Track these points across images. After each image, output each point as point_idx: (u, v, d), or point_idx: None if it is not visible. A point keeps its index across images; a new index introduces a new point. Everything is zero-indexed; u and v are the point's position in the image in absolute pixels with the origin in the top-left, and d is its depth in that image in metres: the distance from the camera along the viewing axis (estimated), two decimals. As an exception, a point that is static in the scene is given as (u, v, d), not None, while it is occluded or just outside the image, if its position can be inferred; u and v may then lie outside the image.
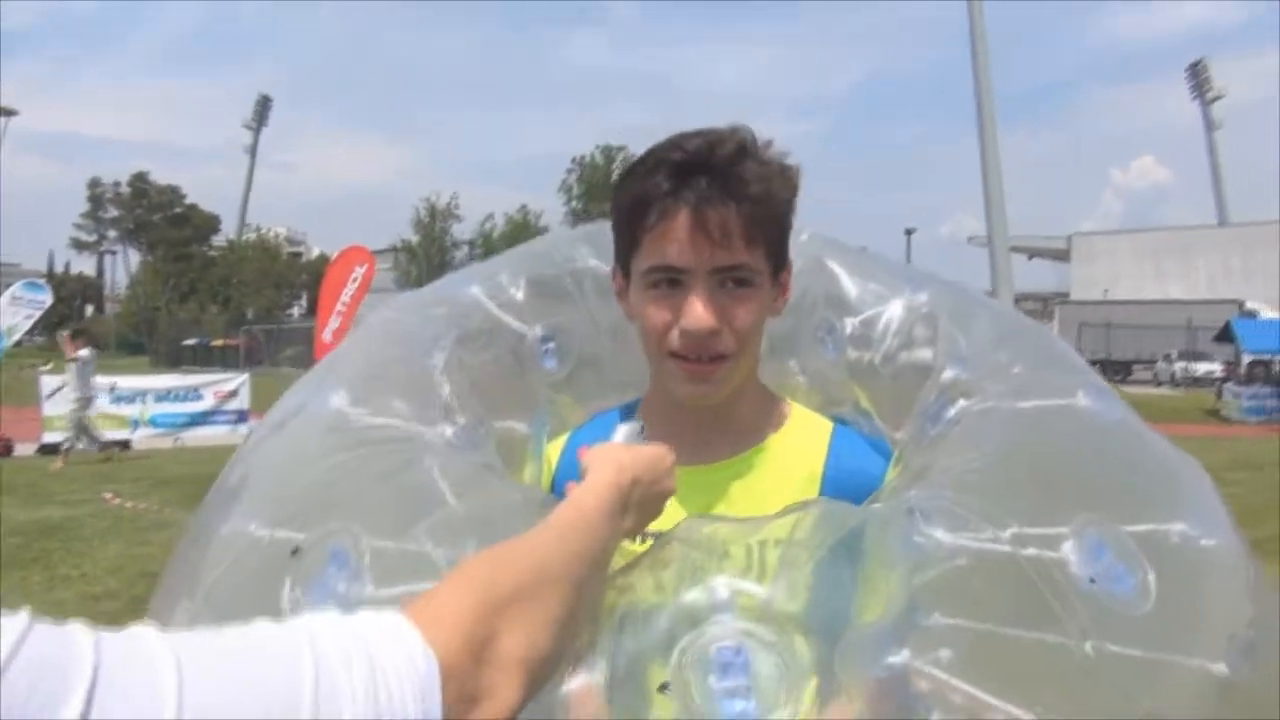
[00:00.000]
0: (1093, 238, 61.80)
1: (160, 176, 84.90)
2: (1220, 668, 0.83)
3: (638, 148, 1.13)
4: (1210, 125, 72.78)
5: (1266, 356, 25.81)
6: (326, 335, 13.77)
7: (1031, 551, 0.87)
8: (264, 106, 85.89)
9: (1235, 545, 0.95)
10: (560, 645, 0.75)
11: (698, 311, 1.06)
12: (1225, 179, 71.35)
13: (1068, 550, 0.87)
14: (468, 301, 1.36)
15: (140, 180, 79.36)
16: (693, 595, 0.88)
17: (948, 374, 1.19)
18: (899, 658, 0.80)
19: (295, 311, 67.64)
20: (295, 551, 0.92)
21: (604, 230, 1.24)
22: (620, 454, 0.97)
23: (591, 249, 1.41)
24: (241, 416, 15.63)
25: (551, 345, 1.39)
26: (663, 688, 0.84)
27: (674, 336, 1.09)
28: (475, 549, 0.90)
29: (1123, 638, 0.82)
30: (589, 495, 0.89)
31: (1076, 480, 1.00)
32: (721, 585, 0.88)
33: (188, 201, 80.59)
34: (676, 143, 1.07)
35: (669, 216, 1.06)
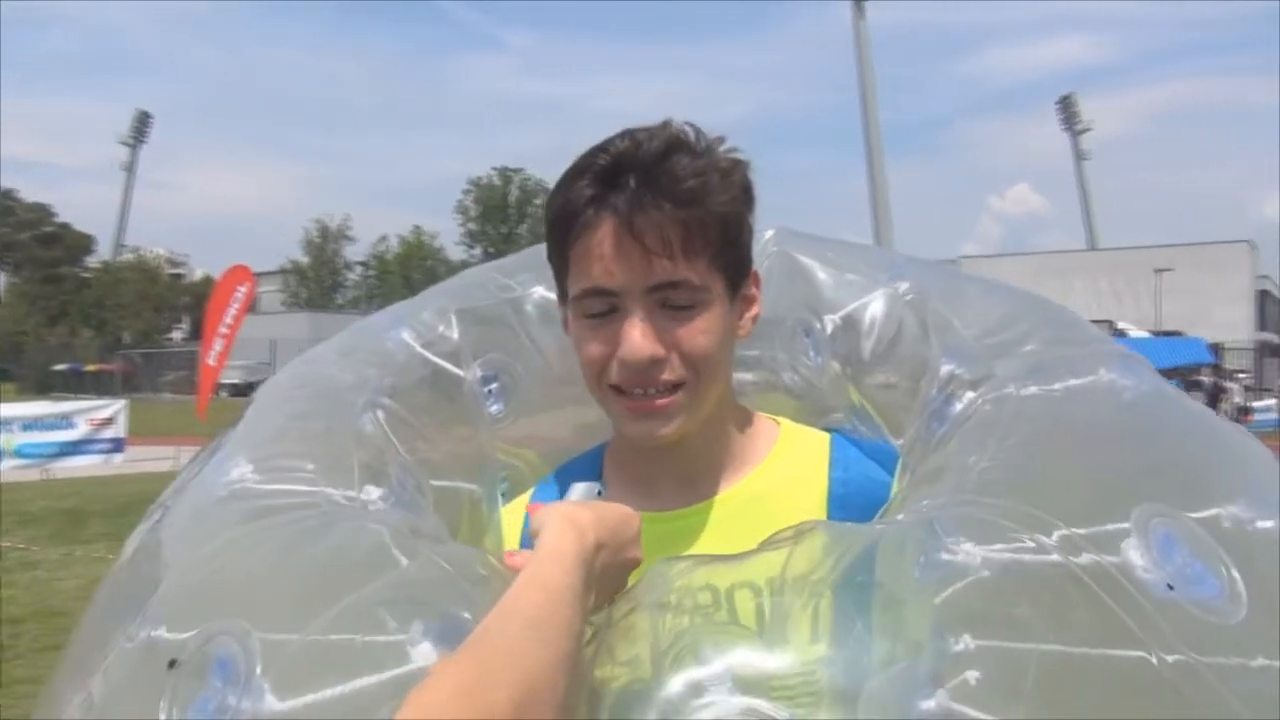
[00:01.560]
0: (978, 261, 64.41)
1: (29, 194, 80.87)
2: None
3: (535, 169, 1.01)
4: (1079, 156, 76.81)
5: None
6: (210, 359, 13.25)
7: (1087, 558, 0.71)
8: (143, 123, 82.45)
9: None
10: None
11: (634, 340, 0.91)
12: (1094, 206, 75.41)
13: (1131, 551, 0.72)
14: (391, 345, 1.18)
15: (6, 197, 75.11)
16: (676, 675, 0.71)
17: (947, 364, 1.03)
18: (933, 700, 0.66)
19: (177, 335, 65.10)
20: (172, 664, 0.74)
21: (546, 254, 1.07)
22: (580, 514, 0.81)
23: (533, 275, 1.24)
24: (117, 445, 14.82)
25: (495, 386, 1.21)
26: None
27: (613, 369, 0.94)
28: (405, 633, 0.73)
29: (1221, 651, 0.68)
30: (555, 570, 0.73)
31: (1126, 466, 0.83)
32: (708, 655, 0.71)
33: (59, 220, 76.75)
34: (603, 145, 0.93)
35: (593, 229, 0.91)
